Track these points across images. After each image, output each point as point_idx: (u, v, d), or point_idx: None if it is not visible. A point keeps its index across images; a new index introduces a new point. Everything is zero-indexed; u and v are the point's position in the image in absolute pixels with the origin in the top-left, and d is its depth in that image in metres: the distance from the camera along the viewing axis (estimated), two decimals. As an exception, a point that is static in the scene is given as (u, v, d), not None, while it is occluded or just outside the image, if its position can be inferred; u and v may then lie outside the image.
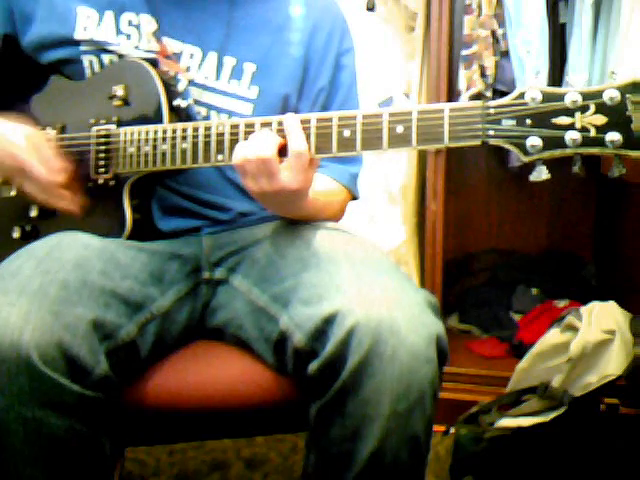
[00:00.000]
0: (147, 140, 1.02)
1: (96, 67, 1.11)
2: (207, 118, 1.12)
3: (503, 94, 1.90)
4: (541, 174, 0.85)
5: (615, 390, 1.45)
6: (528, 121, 0.84)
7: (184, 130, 1.00)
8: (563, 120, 0.82)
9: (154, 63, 1.08)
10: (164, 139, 1.01)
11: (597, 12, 1.86)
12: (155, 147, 1.02)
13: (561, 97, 0.83)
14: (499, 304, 2.29)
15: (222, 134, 0.98)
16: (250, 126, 0.96)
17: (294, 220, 1.07)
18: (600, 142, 0.81)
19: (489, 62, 1.93)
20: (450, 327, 2.28)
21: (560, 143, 0.82)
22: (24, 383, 0.80)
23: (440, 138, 0.87)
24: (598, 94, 0.81)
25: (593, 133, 0.81)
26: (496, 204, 2.48)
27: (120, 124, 1.06)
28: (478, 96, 1.92)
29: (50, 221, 1.09)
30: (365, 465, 0.84)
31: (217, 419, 1.01)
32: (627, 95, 0.80)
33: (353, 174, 1.20)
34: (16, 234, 1.10)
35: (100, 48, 1.10)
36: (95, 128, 1.07)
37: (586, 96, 0.82)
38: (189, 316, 1.07)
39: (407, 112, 0.89)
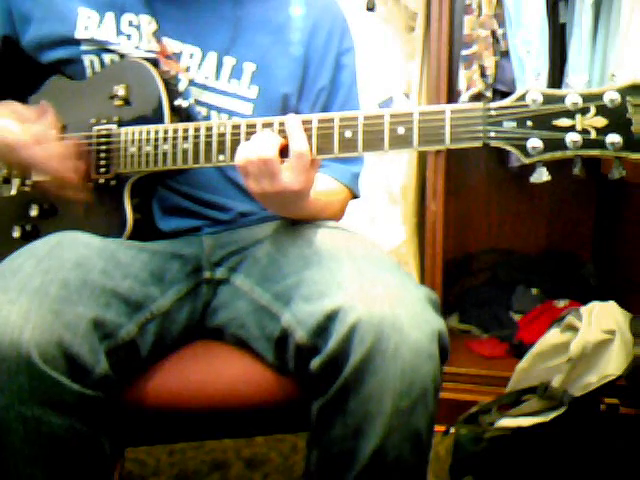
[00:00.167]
0: (148, 140, 1.02)
1: (97, 67, 1.11)
2: (207, 118, 1.12)
3: (503, 94, 1.91)
4: (542, 176, 0.86)
5: (615, 390, 1.45)
6: (529, 123, 0.84)
7: (185, 130, 1.00)
8: (564, 122, 0.82)
9: (155, 63, 1.08)
10: (165, 139, 1.01)
11: (597, 12, 1.86)
12: (156, 147, 1.02)
13: (562, 99, 0.83)
14: (499, 304, 2.29)
15: (223, 134, 0.98)
16: (252, 126, 0.96)
17: (295, 220, 1.08)
18: (600, 144, 0.81)
19: (489, 62, 1.93)
20: (450, 327, 2.28)
21: (561, 145, 0.82)
22: (24, 382, 0.80)
23: (441, 139, 0.87)
24: (598, 96, 0.81)
25: (593, 135, 0.81)
26: (496, 204, 2.48)
27: (121, 124, 1.06)
28: (478, 96, 1.92)
29: (50, 221, 1.09)
30: (368, 462, 0.84)
31: (217, 419, 1.01)
32: (627, 97, 0.80)
33: (354, 173, 1.20)
34: (16, 233, 1.10)
35: (101, 48, 1.10)
36: (96, 128, 1.07)
37: (586, 98, 0.82)
38: (189, 316, 1.07)
39: (408, 113, 0.89)
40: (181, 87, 1.09)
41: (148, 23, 1.11)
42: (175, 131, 1.01)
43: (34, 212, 1.10)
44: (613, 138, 0.80)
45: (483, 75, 1.94)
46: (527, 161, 0.85)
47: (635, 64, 1.73)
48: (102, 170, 1.06)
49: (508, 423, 1.49)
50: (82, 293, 0.89)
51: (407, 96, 2.04)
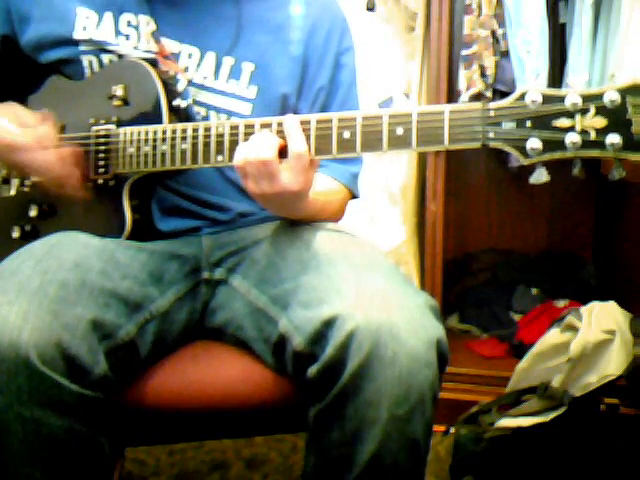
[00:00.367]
0: (147, 140, 1.02)
1: (95, 67, 1.11)
2: (206, 118, 1.12)
3: (503, 94, 1.90)
4: (541, 176, 0.86)
5: (615, 390, 1.45)
6: (528, 123, 0.84)
7: (184, 131, 1.00)
8: (563, 122, 0.82)
9: (153, 63, 1.08)
10: (164, 139, 1.01)
11: (597, 12, 1.86)
12: (155, 147, 1.02)
13: (561, 99, 0.82)
14: (499, 304, 2.29)
15: (222, 135, 0.98)
16: (250, 127, 0.96)
17: (294, 221, 1.07)
18: (600, 145, 0.81)
19: (489, 62, 1.93)
20: (450, 327, 2.28)
21: (560, 146, 0.82)
22: (23, 383, 0.80)
23: (440, 140, 0.87)
24: (598, 96, 0.81)
25: (593, 136, 0.81)
26: (496, 204, 2.48)
27: (120, 124, 1.06)
28: (478, 96, 1.92)
29: (50, 221, 1.09)
30: (364, 468, 0.84)
31: (217, 419, 1.01)
32: (627, 97, 0.80)
33: (354, 173, 1.20)
34: (16, 234, 1.10)
35: (99, 48, 1.10)
36: (94, 128, 1.07)
37: (586, 98, 0.81)
38: (188, 316, 1.07)
39: (407, 114, 0.89)
40: (180, 87, 1.09)
41: (147, 23, 1.11)
42: (174, 131, 1.01)
43: (33, 212, 1.09)
44: (613, 139, 0.80)
45: (483, 75, 1.94)
46: (526, 162, 0.84)
47: (635, 64, 1.73)
48: (101, 170, 1.06)
49: (508, 423, 1.49)
50: (81, 294, 0.89)
51: (407, 96, 2.04)
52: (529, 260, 2.42)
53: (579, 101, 0.82)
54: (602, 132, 0.81)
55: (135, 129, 1.03)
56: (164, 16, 1.12)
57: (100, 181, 1.06)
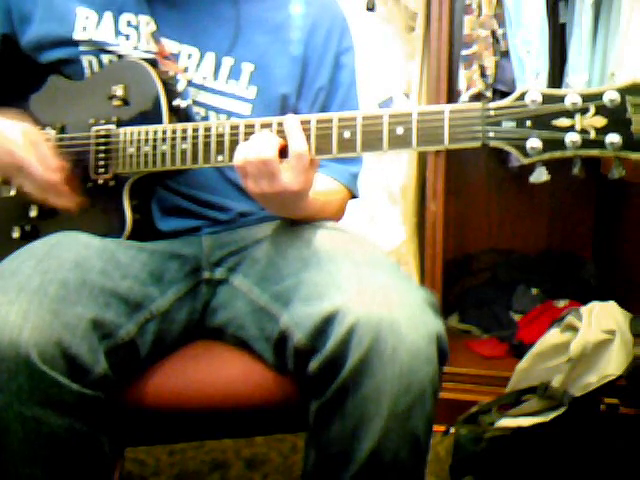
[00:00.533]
0: (147, 140, 1.02)
1: (95, 67, 1.11)
2: (206, 118, 1.12)
3: (503, 94, 1.90)
4: (541, 176, 0.86)
5: (615, 390, 1.45)
6: (528, 123, 0.84)
7: (184, 131, 1.00)
8: (563, 122, 0.82)
9: (153, 63, 1.08)
10: (164, 139, 1.01)
11: (597, 12, 1.86)
12: (155, 147, 1.02)
13: (561, 99, 0.82)
14: (499, 304, 2.29)
15: (222, 135, 0.98)
16: (250, 127, 0.96)
17: (294, 220, 1.07)
18: (600, 144, 0.81)
19: (489, 62, 1.93)
20: (450, 327, 2.28)
21: (560, 145, 0.82)
22: (23, 382, 0.80)
23: (440, 140, 0.87)
24: (598, 96, 0.81)
25: (593, 135, 0.81)
26: (496, 204, 2.48)
27: (120, 124, 1.06)
28: (478, 96, 1.92)
29: (50, 221, 1.09)
30: (364, 463, 0.84)
31: (217, 419, 1.01)
32: (627, 97, 0.80)
33: (353, 173, 1.20)
34: (16, 234, 1.10)
35: (99, 48, 1.10)
36: (94, 128, 1.07)
37: (586, 98, 0.82)
38: (189, 316, 1.07)
39: (407, 113, 0.89)
40: (179, 88, 1.09)
41: (147, 23, 1.11)
42: (174, 131, 1.01)
43: (34, 213, 1.09)
44: (612, 138, 0.80)
45: (483, 75, 1.94)
46: (526, 161, 0.84)
47: (635, 64, 1.73)
48: (101, 170, 1.06)
49: (508, 423, 1.49)
50: (81, 293, 0.89)
51: (407, 96, 2.04)
52: (529, 260, 2.42)
53: (579, 101, 0.82)
54: (602, 131, 0.81)
55: (135, 129, 1.03)
56: (164, 16, 1.12)
57: (100, 181, 1.06)
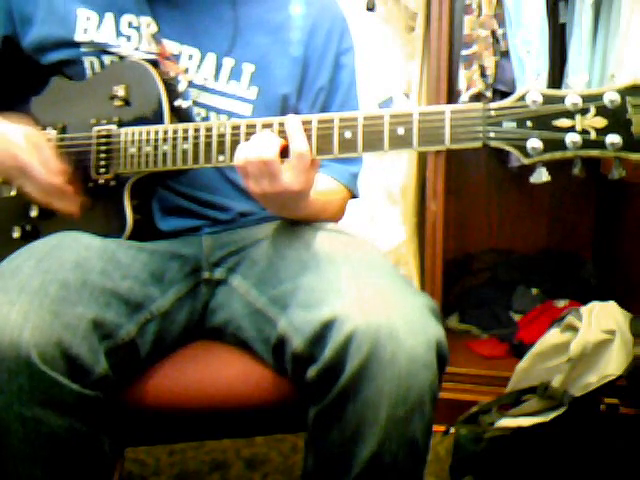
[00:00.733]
0: (148, 140, 1.02)
1: (97, 68, 1.11)
2: (206, 119, 1.12)
3: (503, 94, 1.91)
4: (541, 176, 0.86)
5: (615, 390, 1.45)
6: (529, 123, 0.84)
7: (185, 131, 1.00)
8: (563, 122, 0.82)
9: (154, 64, 1.08)
10: (165, 139, 1.01)
11: (597, 12, 1.86)
12: (156, 147, 1.02)
13: (561, 99, 0.83)
14: (499, 304, 2.29)
15: (223, 135, 0.98)
16: (251, 127, 0.96)
17: (294, 220, 1.07)
18: (600, 144, 0.81)
19: (489, 62, 1.93)
20: (450, 327, 2.28)
21: (560, 145, 0.82)
22: (24, 382, 0.80)
23: (441, 140, 0.87)
24: (598, 97, 0.81)
25: (593, 135, 0.81)
26: (496, 204, 2.48)
27: (121, 124, 1.06)
28: (478, 96, 1.92)
29: (50, 221, 1.09)
30: (364, 469, 0.84)
31: (217, 419, 1.01)
32: (627, 98, 0.80)
33: (353, 173, 1.20)
34: (16, 234, 1.10)
35: (101, 49, 1.10)
36: (96, 128, 1.07)
37: (586, 98, 0.82)
38: (189, 316, 1.07)
39: (408, 114, 0.89)
40: (180, 88, 1.09)
41: (148, 25, 1.11)
42: (175, 132, 1.01)
43: (34, 213, 1.10)
44: (613, 138, 0.80)
45: (483, 75, 1.94)
46: (527, 161, 0.85)
47: (635, 64, 1.73)
48: (102, 170, 1.06)
49: (508, 423, 1.49)
50: (82, 293, 0.89)
51: (407, 96, 2.04)
52: (529, 260, 2.42)
53: (579, 101, 0.82)
54: (602, 132, 0.81)
55: (136, 129, 1.03)
56: (165, 17, 1.12)
57: (101, 181, 1.06)
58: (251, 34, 1.14)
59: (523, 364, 1.60)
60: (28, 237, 1.08)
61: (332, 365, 0.84)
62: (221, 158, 0.98)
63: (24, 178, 1.02)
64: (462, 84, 1.95)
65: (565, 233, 2.46)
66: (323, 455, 0.88)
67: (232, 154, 0.96)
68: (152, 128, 1.02)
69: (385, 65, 2.03)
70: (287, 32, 1.17)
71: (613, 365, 1.40)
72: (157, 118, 1.05)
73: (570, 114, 0.82)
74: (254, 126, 0.96)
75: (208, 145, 0.99)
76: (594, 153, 0.81)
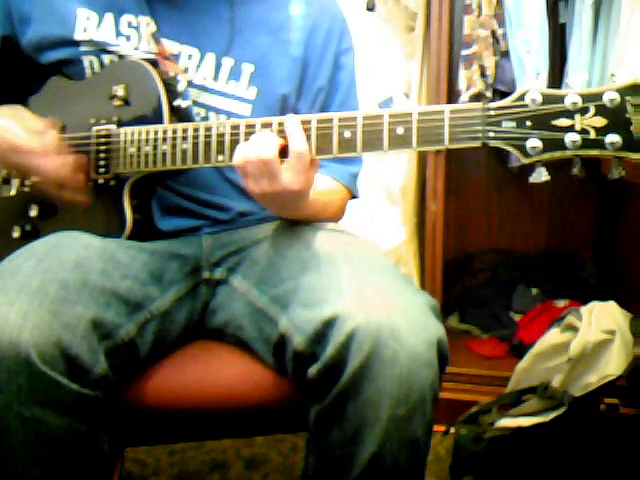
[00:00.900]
0: (147, 140, 1.02)
1: (96, 67, 1.11)
2: (206, 119, 1.12)
3: (503, 94, 1.91)
4: (541, 176, 0.86)
5: (615, 390, 1.45)
6: (528, 123, 0.84)
7: (184, 130, 1.00)
8: (563, 122, 0.82)
9: (154, 64, 1.08)
10: (164, 139, 1.01)
11: (597, 12, 1.86)
12: (155, 147, 1.02)
13: (561, 99, 0.83)
14: (499, 304, 2.29)
15: (223, 135, 0.98)
16: (251, 127, 0.96)
17: (294, 221, 1.07)
18: (600, 144, 0.81)
19: (489, 62, 1.93)
20: (450, 327, 2.28)
21: (560, 145, 0.82)
22: (23, 382, 0.80)
23: (440, 140, 0.87)
24: (598, 96, 0.81)
25: (593, 135, 0.81)
26: (496, 204, 2.48)
27: (120, 124, 1.06)
28: (478, 96, 1.92)
29: (50, 221, 1.09)
30: (364, 468, 0.84)
31: (217, 419, 1.01)
32: (627, 97, 0.80)
33: (353, 174, 1.20)
34: (16, 234, 1.10)
35: (100, 49, 1.10)
36: (95, 128, 1.07)
37: (586, 98, 0.82)
38: (189, 316, 1.07)
39: (407, 113, 0.89)
40: (180, 88, 1.09)
41: (147, 24, 1.11)
42: (174, 131, 1.01)
43: (34, 212, 1.10)
44: (612, 138, 0.80)
45: (483, 75, 1.94)
46: (526, 161, 0.85)
47: (635, 64, 1.73)
48: (101, 170, 1.06)
49: (508, 423, 1.49)
50: (81, 293, 0.89)
51: (407, 96, 2.04)
52: (529, 260, 2.42)
53: (579, 101, 0.82)
54: (602, 131, 0.81)
55: (136, 129, 1.03)
56: (164, 17, 1.12)
57: (101, 181, 1.06)
58: (251, 34, 1.14)
59: (523, 364, 1.60)
60: (28, 237, 1.08)
61: (333, 364, 0.84)
62: (220, 158, 0.99)
63: (31, 172, 1.02)
64: (462, 84, 1.95)
65: (565, 233, 2.46)
66: (324, 455, 0.88)
67: (231, 154, 0.96)
68: (151, 128, 1.02)
69: (385, 65, 2.03)
70: (287, 32, 1.17)
71: (613, 365, 1.40)
72: (157, 118, 1.05)
73: (569, 114, 0.82)
74: (253, 126, 0.96)
75: (207, 145, 0.99)
76: (593, 153, 0.81)
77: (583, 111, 0.82)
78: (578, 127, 0.82)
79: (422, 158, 2.07)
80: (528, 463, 1.46)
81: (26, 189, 1.12)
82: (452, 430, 1.57)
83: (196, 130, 1.00)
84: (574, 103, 0.82)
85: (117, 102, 1.07)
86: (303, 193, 0.96)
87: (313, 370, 0.86)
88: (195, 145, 1.00)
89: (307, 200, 0.99)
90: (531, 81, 1.85)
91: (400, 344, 0.83)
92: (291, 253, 1.01)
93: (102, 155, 1.06)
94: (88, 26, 1.10)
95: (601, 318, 1.48)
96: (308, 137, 0.93)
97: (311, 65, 1.18)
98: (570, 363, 1.43)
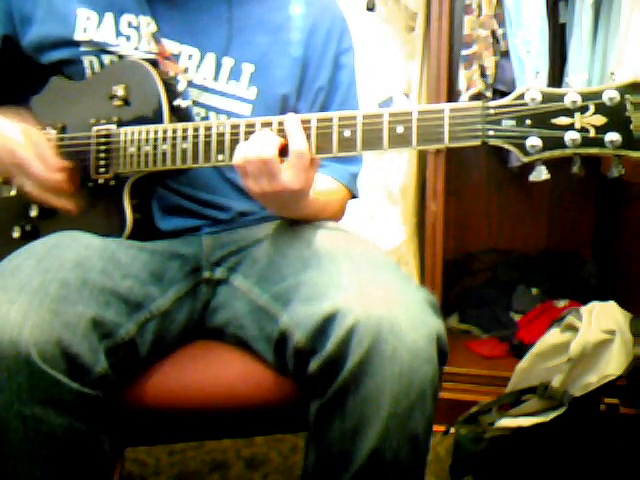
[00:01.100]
0: (147, 140, 1.02)
1: (96, 67, 1.11)
2: (206, 119, 1.12)
3: (503, 94, 1.91)
4: (541, 174, 0.86)
5: (615, 390, 1.45)
6: (528, 121, 0.84)
7: (184, 130, 1.00)
8: (563, 120, 0.82)
9: (154, 64, 1.08)
10: (164, 139, 1.01)
11: (597, 12, 1.86)
12: (155, 147, 1.02)
13: (561, 97, 0.83)
14: (499, 304, 2.29)
15: (223, 134, 0.98)
16: (251, 126, 0.96)
17: (294, 220, 1.07)
18: (599, 142, 0.81)
19: (489, 62, 1.93)
20: (450, 327, 2.28)
21: (560, 143, 0.82)
22: (23, 381, 0.80)
23: (440, 138, 0.87)
24: (597, 95, 0.81)
25: (592, 133, 0.81)
26: (496, 204, 2.48)
27: (120, 124, 1.06)
28: (478, 96, 1.92)
29: (50, 221, 1.09)
30: (365, 464, 0.84)
31: (217, 419, 1.01)
32: (626, 96, 0.80)
33: (353, 173, 1.20)
34: (16, 234, 1.10)
35: (100, 49, 1.10)
36: (95, 128, 1.07)
37: (585, 96, 0.82)
38: (189, 316, 1.07)
39: (407, 112, 0.89)
40: (180, 88, 1.09)
41: (147, 24, 1.11)
42: (174, 131, 1.01)
43: (34, 212, 1.10)
44: (612, 136, 0.80)
45: (483, 75, 1.94)
46: (526, 160, 0.85)
47: (635, 64, 1.73)
48: (101, 170, 1.06)
49: (508, 423, 1.49)
50: (82, 293, 0.89)
51: (407, 96, 2.04)
52: (529, 260, 2.42)
53: (578, 99, 0.82)
54: (601, 130, 0.81)
55: (136, 129, 1.04)
56: (164, 17, 1.12)
57: (101, 181, 1.06)
58: (250, 34, 1.15)
59: (523, 364, 1.60)
60: (28, 237, 1.08)
61: (334, 358, 0.84)
62: (220, 157, 0.99)
63: (22, 175, 1.02)
64: (462, 84, 1.95)
65: (565, 233, 2.46)
66: (325, 451, 0.88)
67: (231, 153, 0.96)
68: (152, 128, 1.02)
69: (385, 65, 2.03)
70: (287, 32, 1.17)
71: (613, 365, 1.40)
72: (157, 118, 1.05)
73: (569, 112, 0.82)
74: (253, 125, 0.96)
75: (207, 144, 0.99)
76: (593, 151, 0.81)
77: (583, 109, 0.82)
78: (578, 125, 0.82)
79: (422, 158, 2.07)
80: (528, 463, 1.46)
81: (26, 189, 1.12)
82: (452, 430, 1.57)
83: (196, 130, 1.00)
84: (574, 102, 0.82)
85: (117, 102, 1.07)
86: (303, 192, 0.96)
87: (314, 364, 0.86)
88: (195, 145, 1.00)
89: (307, 199, 0.99)
90: (531, 81, 1.85)
91: (400, 339, 0.83)
92: (292, 251, 1.01)
93: (102, 155, 1.06)
94: (88, 26, 1.11)
95: (601, 318, 1.48)
96: (308, 136, 0.93)
97: (311, 65, 1.18)
98: (570, 363, 1.43)
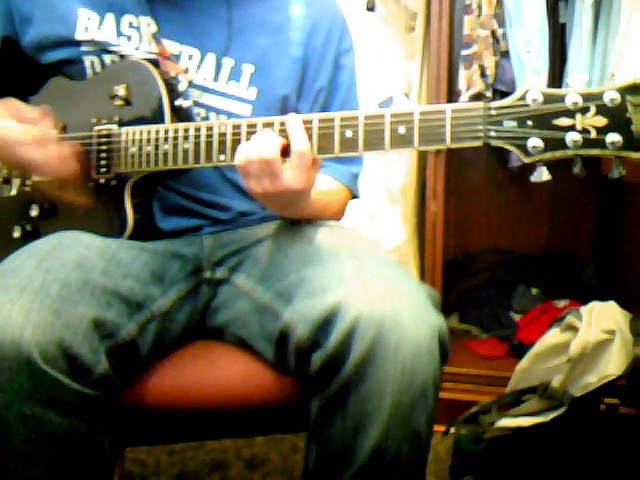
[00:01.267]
0: (149, 140, 1.02)
1: (97, 67, 1.11)
2: (206, 119, 1.12)
3: (503, 94, 1.91)
4: (542, 175, 0.86)
5: (615, 390, 1.45)
6: (529, 122, 0.84)
7: (186, 130, 1.00)
8: (564, 121, 0.82)
9: (155, 63, 1.08)
10: (166, 139, 1.01)
11: (597, 12, 1.86)
12: (157, 147, 1.02)
13: (562, 98, 0.83)
14: (499, 304, 2.29)
15: (224, 134, 0.98)
16: (252, 126, 0.96)
17: (295, 220, 1.07)
18: (601, 143, 0.81)
19: (489, 62, 1.93)
20: (450, 327, 2.26)
21: (561, 144, 0.82)
22: (24, 381, 0.80)
23: (442, 139, 0.87)
24: (598, 96, 0.81)
25: (594, 134, 0.81)
26: (496, 204, 2.48)
27: (121, 124, 1.06)
28: (478, 96, 1.93)
29: (51, 221, 1.09)
30: (367, 460, 0.84)
31: (217, 419, 1.01)
32: (627, 97, 0.80)
33: (354, 174, 1.20)
34: (17, 234, 1.10)
35: (101, 49, 1.10)
36: (96, 128, 1.07)
37: (586, 97, 0.82)
38: (189, 316, 1.07)
39: (409, 113, 0.89)
40: (181, 88, 1.09)
41: (148, 25, 1.11)
42: (176, 131, 1.01)
43: (34, 212, 1.10)
44: (613, 137, 0.80)
45: (483, 75, 1.95)
46: (527, 160, 0.85)
47: (635, 64, 1.73)
48: (103, 170, 1.06)
49: (508, 423, 1.49)
50: (83, 293, 0.89)
51: (407, 96, 2.04)
52: (529, 260, 2.42)
53: (579, 100, 0.82)
54: (602, 131, 0.81)
55: (137, 129, 1.04)
56: (165, 17, 1.12)
57: (102, 181, 1.06)
58: (250, 35, 1.15)
59: (523, 364, 1.60)
60: (28, 237, 1.08)
61: (336, 352, 0.84)
62: (222, 157, 0.98)
63: (23, 164, 1.02)
64: (462, 84, 1.95)
65: (565, 233, 2.46)
66: (326, 448, 0.88)
67: (233, 153, 0.96)
68: (153, 128, 1.02)
69: (385, 65, 2.03)
70: (287, 33, 1.17)
71: (613, 365, 1.41)
72: (158, 118, 1.05)
73: (570, 113, 0.82)
74: (255, 125, 0.96)
75: (209, 144, 0.99)
76: (594, 152, 0.81)
77: (584, 111, 0.82)
78: (579, 126, 0.82)
79: (422, 158, 2.07)
80: (528, 463, 1.46)
81: (27, 189, 1.12)
82: (452, 430, 1.57)
83: (197, 130, 1.00)
84: (575, 103, 0.82)
85: (118, 102, 1.07)
86: (305, 192, 0.96)
87: (316, 359, 0.86)
88: (197, 145, 1.00)
89: (308, 200, 0.99)
90: (531, 81, 1.85)
91: (403, 335, 0.83)
92: (293, 249, 1.01)
93: (103, 155, 1.06)
94: (89, 26, 1.11)
95: (601, 318, 1.48)
96: (310, 136, 0.93)
97: (311, 65, 1.18)
98: (570, 363, 1.43)
